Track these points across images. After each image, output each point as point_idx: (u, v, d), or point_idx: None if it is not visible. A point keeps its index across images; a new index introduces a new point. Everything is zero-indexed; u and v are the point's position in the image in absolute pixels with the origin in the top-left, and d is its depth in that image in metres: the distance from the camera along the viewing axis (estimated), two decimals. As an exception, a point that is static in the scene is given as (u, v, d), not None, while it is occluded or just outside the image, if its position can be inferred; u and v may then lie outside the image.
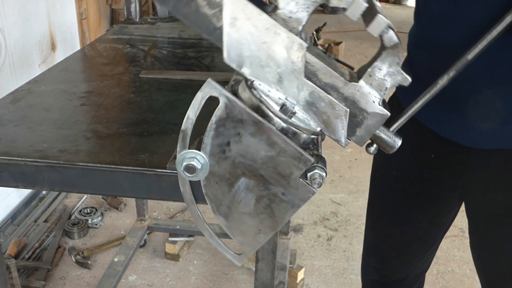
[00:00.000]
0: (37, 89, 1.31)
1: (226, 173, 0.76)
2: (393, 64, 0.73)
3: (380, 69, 0.74)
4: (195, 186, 0.83)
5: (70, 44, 3.07)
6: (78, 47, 3.11)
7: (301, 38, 0.68)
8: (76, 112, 1.19)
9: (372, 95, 0.75)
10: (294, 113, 0.74)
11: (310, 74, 0.73)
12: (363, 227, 1.44)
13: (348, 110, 0.74)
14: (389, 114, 0.75)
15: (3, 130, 1.08)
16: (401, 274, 1.40)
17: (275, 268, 1.02)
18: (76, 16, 3.13)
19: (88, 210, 2.71)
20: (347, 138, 0.77)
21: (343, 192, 3.06)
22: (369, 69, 0.73)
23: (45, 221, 2.61)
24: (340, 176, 3.22)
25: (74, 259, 2.35)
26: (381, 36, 0.69)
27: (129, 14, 2.05)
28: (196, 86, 1.35)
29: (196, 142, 0.84)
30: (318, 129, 0.76)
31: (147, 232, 2.49)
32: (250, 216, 0.79)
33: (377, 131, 0.79)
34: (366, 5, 0.67)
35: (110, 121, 1.13)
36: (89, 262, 2.34)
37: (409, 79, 0.72)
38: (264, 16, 0.66)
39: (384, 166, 1.30)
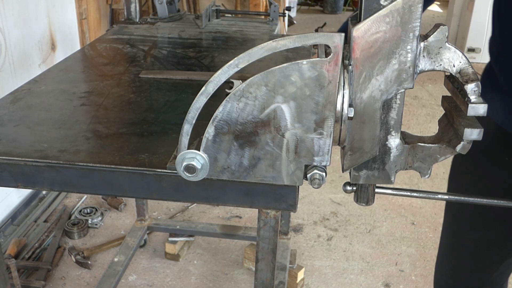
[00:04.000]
0: (37, 89, 1.31)
1: (265, 103, 0.75)
2: (432, 160, 0.79)
3: (422, 152, 0.79)
4: (196, 185, 0.82)
5: (70, 44, 3.07)
6: (78, 47, 3.11)
7: (412, 79, 0.73)
8: (76, 112, 1.19)
9: (400, 162, 0.79)
10: (351, 118, 0.74)
11: (386, 104, 0.75)
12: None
13: (377, 155, 0.78)
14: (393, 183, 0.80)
15: (3, 130, 1.08)
16: (474, 283, 1.36)
17: (275, 268, 1.02)
18: (76, 16, 3.13)
19: (88, 210, 2.71)
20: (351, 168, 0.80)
21: (343, 192, 3.04)
22: (418, 144, 0.78)
23: (45, 221, 2.61)
24: (340, 176, 3.21)
25: (74, 259, 2.35)
26: (463, 140, 0.74)
27: (129, 14, 2.05)
28: (196, 86, 1.35)
29: (196, 142, 0.84)
30: (346, 144, 0.78)
31: (147, 232, 2.49)
32: (235, 151, 0.79)
33: (369, 184, 0.83)
34: (484, 115, 0.73)
35: (110, 121, 1.13)
36: (89, 262, 2.33)
37: (425, 177, 0.80)
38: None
39: (464, 167, 1.25)
